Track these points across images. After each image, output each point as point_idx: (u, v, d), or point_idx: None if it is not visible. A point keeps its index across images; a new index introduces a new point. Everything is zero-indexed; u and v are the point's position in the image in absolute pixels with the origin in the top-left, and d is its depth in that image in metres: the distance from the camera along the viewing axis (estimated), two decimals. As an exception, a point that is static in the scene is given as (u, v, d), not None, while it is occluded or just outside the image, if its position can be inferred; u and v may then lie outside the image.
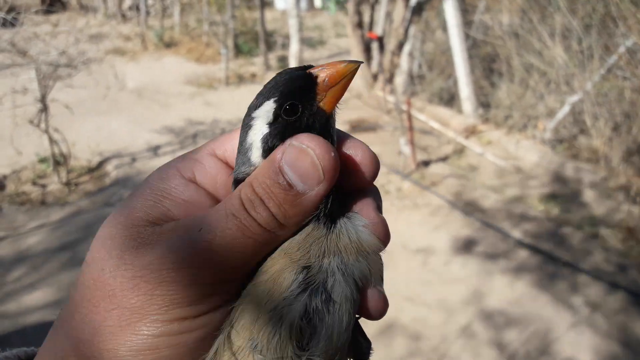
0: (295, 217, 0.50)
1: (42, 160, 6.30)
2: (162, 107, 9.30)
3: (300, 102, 0.53)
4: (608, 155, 6.76)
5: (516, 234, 5.14)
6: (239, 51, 13.15)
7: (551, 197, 5.91)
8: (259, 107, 0.54)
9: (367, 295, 0.55)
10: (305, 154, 0.49)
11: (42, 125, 5.83)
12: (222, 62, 10.91)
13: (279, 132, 0.53)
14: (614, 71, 7.02)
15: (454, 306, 4.11)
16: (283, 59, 12.55)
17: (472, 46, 8.17)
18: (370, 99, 9.44)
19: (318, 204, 0.51)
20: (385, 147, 6.96)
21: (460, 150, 6.88)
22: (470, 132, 7.23)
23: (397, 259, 4.64)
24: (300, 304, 0.50)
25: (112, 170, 6.66)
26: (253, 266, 0.51)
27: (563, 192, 6.08)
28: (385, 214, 0.57)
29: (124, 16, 16.11)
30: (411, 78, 8.27)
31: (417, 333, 3.80)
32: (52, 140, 5.90)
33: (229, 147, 0.59)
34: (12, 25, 6.23)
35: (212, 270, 0.48)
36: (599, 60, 7.11)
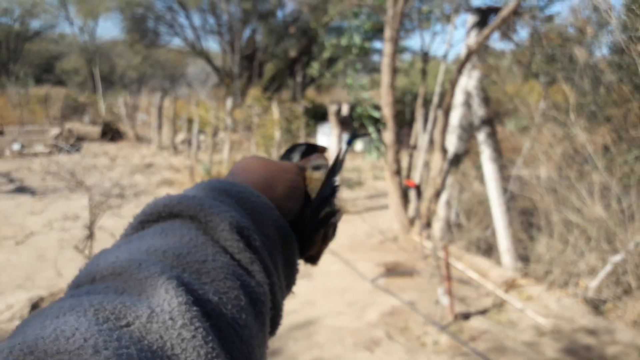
0: None
1: (80, 286, 6.38)
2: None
3: None
4: (657, 320, 6.42)
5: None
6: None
7: (598, 364, 5.54)
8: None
9: None
10: None
11: (87, 252, 6.01)
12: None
13: None
14: (658, 233, 6.91)
15: None
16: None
17: (510, 199, 8.27)
18: (407, 243, 9.45)
19: None
20: (422, 295, 6.79)
21: (500, 304, 6.67)
22: (510, 285, 7.06)
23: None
24: None
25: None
26: None
27: (606, 357, 5.70)
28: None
29: (175, 148, 17.16)
30: (448, 226, 8.32)
31: None
32: (93, 267, 6.02)
33: None
34: (76, 151, 6.72)
35: None
36: (641, 220, 7.05)
